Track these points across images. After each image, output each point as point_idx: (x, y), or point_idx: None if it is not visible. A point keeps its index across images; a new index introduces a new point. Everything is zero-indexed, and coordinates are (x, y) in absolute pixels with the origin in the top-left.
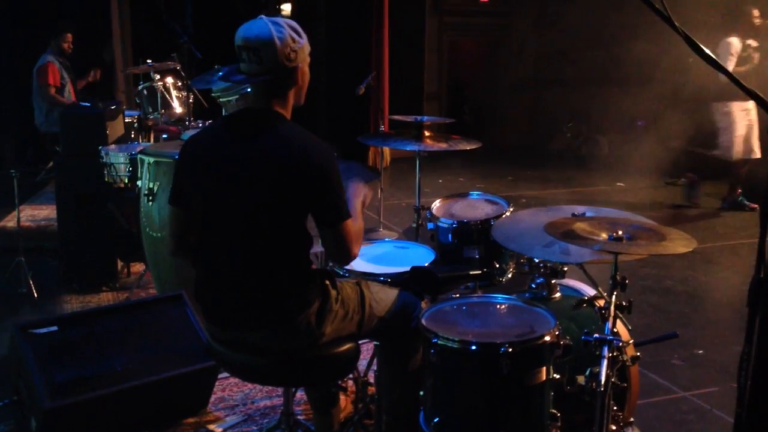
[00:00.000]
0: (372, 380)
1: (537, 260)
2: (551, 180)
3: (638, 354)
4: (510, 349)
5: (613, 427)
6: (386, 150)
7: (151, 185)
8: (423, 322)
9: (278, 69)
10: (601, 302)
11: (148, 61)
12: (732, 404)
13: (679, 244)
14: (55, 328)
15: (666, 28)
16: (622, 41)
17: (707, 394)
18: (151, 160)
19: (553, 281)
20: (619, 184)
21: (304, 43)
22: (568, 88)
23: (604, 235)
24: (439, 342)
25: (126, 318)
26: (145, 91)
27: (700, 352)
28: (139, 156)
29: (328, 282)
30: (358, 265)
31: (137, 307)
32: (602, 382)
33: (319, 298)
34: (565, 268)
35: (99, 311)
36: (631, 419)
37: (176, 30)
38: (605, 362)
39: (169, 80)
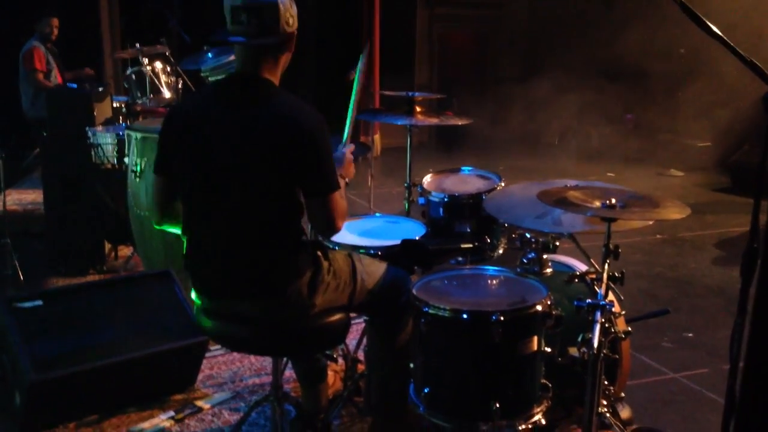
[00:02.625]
0: (362, 358)
1: (529, 236)
2: (542, 170)
3: (629, 329)
4: (501, 318)
5: (604, 402)
6: (377, 138)
7: (138, 161)
8: (414, 292)
9: (278, 33)
10: (594, 276)
11: (137, 45)
12: (722, 385)
13: (673, 210)
14: (39, 302)
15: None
16: (613, 33)
17: (697, 376)
18: (139, 135)
19: (544, 256)
20: (609, 174)
21: (294, 9)
22: (559, 81)
23: (597, 203)
24: (430, 311)
25: (112, 293)
26: (133, 76)
27: (690, 335)
28: (126, 132)
29: (320, 253)
30: (348, 238)
31: (124, 283)
32: (594, 347)
33: (310, 268)
34: (557, 243)
35: (85, 286)
36: (622, 394)
37: (164, 13)
38: (598, 327)
39: (158, 65)
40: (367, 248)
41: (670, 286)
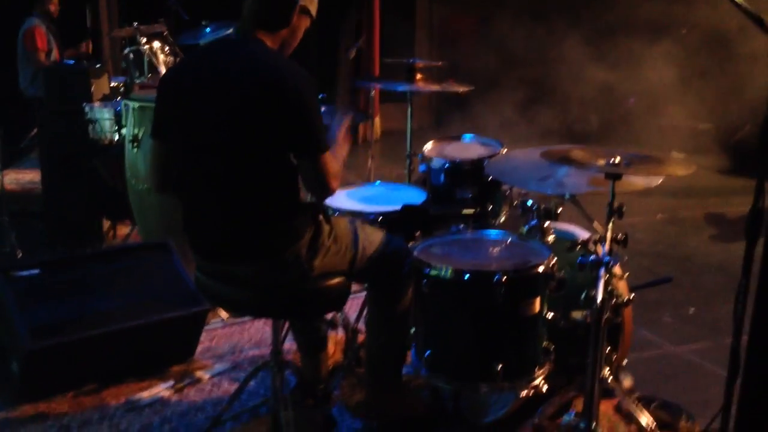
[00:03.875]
0: (362, 329)
1: (531, 203)
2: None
3: (632, 296)
4: (504, 278)
5: (607, 369)
6: (377, 121)
7: (136, 131)
8: (415, 254)
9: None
10: (597, 239)
11: (134, 23)
12: (724, 359)
13: (678, 167)
14: (37, 270)
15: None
16: (617, 15)
17: (698, 350)
18: (136, 105)
19: (546, 223)
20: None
21: None
22: (560, 65)
23: (602, 162)
24: (431, 273)
25: (110, 264)
26: (131, 55)
27: (691, 311)
28: (123, 102)
29: (321, 217)
30: (348, 203)
31: (122, 253)
32: (598, 302)
33: (310, 231)
34: (560, 210)
35: (83, 256)
36: (624, 362)
37: None
38: (601, 283)
39: (156, 44)
40: (367, 213)
41: (672, 264)
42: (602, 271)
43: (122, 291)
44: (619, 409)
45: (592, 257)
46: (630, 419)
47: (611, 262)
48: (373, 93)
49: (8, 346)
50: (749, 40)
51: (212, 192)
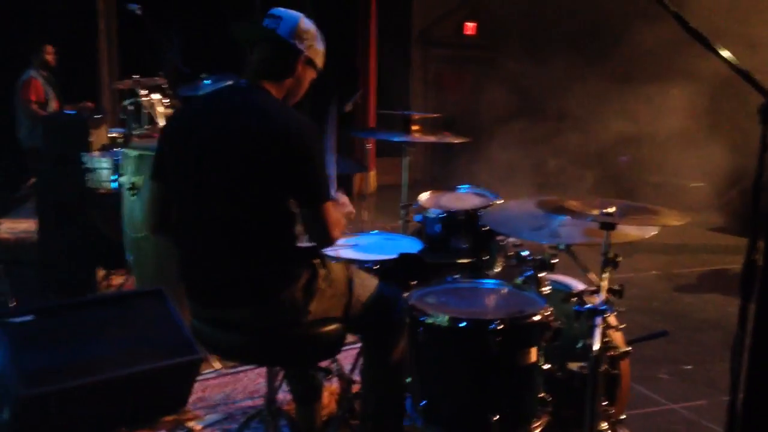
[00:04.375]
0: (357, 378)
1: (525, 253)
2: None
3: (629, 349)
4: (500, 327)
5: (604, 424)
6: (372, 175)
7: (134, 180)
8: (411, 302)
9: (286, 42)
10: (593, 298)
11: (134, 76)
12: (721, 416)
13: (672, 218)
14: (31, 317)
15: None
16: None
17: (696, 407)
18: (135, 153)
19: (542, 274)
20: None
21: (318, 47)
22: (552, 123)
23: (596, 211)
24: (427, 321)
25: (104, 310)
26: (130, 107)
27: (688, 367)
28: (122, 150)
29: (317, 260)
30: (345, 253)
31: (116, 300)
32: (595, 350)
33: (306, 274)
34: (555, 260)
35: (77, 303)
36: (622, 416)
37: (163, 44)
38: (598, 331)
39: (155, 96)
40: (363, 261)
41: (667, 320)
42: (598, 320)
43: (116, 338)
44: None
45: (588, 305)
46: None
47: (607, 311)
48: (368, 146)
49: (0, 392)
50: (739, 96)
51: (210, 236)
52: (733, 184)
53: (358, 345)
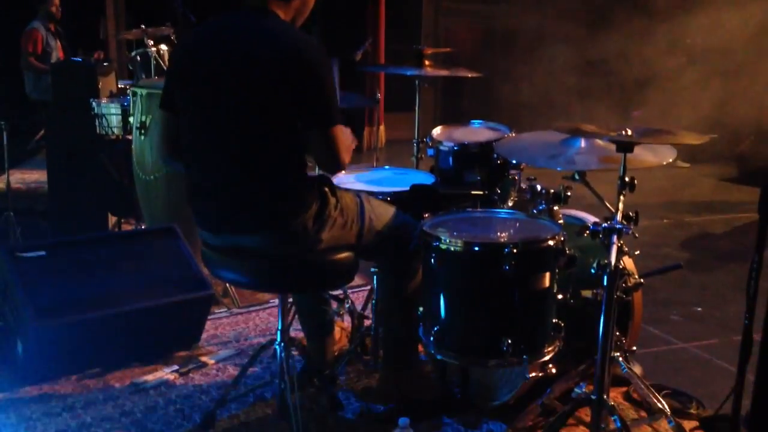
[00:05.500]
0: (368, 314)
1: (539, 186)
2: None
3: (641, 281)
4: (514, 250)
5: (616, 354)
6: (381, 129)
7: (143, 118)
8: (425, 228)
9: None
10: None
11: (142, 26)
12: (733, 355)
13: (690, 137)
14: (43, 252)
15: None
16: (623, 25)
17: (707, 346)
18: (144, 92)
19: (555, 208)
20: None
21: None
22: (564, 74)
23: (613, 134)
24: (441, 246)
25: (116, 247)
26: (138, 58)
27: (699, 309)
28: (131, 89)
29: (327, 189)
30: (356, 185)
31: (128, 237)
32: (611, 266)
33: (317, 202)
34: (569, 193)
35: (88, 239)
36: (634, 348)
37: None
38: (614, 249)
39: (163, 47)
40: (375, 194)
41: None
42: (615, 238)
43: (128, 274)
44: (628, 397)
45: (605, 224)
46: (640, 406)
47: (624, 230)
48: (378, 96)
49: (13, 326)
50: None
51: (220, 161)
52: (744, 136)
53: (368, 287)
